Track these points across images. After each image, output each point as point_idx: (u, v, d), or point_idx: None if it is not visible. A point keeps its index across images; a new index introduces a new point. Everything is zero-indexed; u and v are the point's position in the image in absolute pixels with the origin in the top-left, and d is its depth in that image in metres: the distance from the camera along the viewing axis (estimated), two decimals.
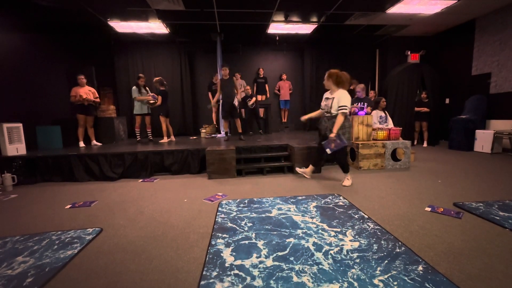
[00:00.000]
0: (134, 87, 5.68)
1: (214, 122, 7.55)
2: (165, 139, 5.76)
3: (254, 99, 6.79)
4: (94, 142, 5.49)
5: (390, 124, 5.10)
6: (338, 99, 3.18)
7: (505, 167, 4.28)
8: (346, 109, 3.15)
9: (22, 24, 5.25)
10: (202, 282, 1.54)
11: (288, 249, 1.89)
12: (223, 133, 6.82)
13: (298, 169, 3.85)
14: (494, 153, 5.48)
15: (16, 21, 5.12)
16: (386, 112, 5.24)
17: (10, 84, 4.82)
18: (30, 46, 5.36)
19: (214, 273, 1.63)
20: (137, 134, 5.96)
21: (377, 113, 5.09)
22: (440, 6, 5.58)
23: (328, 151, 3.29)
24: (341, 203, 2.80)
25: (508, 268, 1.61)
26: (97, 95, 5.49)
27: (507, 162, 4.71)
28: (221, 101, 5.70)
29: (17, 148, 4.28)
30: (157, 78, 5.67)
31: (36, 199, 3.33)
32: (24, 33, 5.27)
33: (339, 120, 3.15)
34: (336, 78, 3.25)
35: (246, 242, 2.02)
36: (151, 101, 5.65)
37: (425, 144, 6.74)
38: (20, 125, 4.42)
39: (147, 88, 5.83)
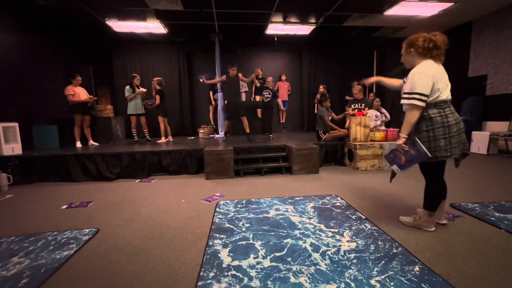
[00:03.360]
0: (127, 87, 5.66)
1: (212, 122, 7.55)
2: (163, 139, 5.75)
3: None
4: (91, 142, 5.46)
5: (387, 115, 5.49)
6: (408, 79, 2.00)
7: (501, 169, 4.31)
8: (416, 98, 1.90)
9: (19, 23, 5.21)
10: (199, 283, 1.54)
11: (285, 250, 1.89)
12: (221, 133, 6.81)
13: (410, 222, 2.27)
14: (490, 155, 5.52)
15: (13, 20, 5.08)
16: (383, 110, 5.50)
17: (6, 83, 4.78)
18: (27, 45, 5.33)
19: (212, 274, 1.62)
20: (134, 134, 5.95)
21: (372, 113, 5.31)
22: (437, 9, 5.62)
23: (395, 168, 2.17)
24: (338, 204, 2.81)
25: (504, 269, 1.62)
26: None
27: (503, 163, 4.74)
28: (224, 101, 5.69)
29: (13, 148, 4.25)
30: (155, 78, 5.67)
31: (32, 199, 3.31)
32: (22, 33, 5.24)
33: (408, 117, 1.96)
34: (408, 44, 2.05)
35: (244, 242, 2.02)
36: (149, 103, 5.64)
37: None
38: (16, 124, 4.38)
39: (140, 88, 5.81)
